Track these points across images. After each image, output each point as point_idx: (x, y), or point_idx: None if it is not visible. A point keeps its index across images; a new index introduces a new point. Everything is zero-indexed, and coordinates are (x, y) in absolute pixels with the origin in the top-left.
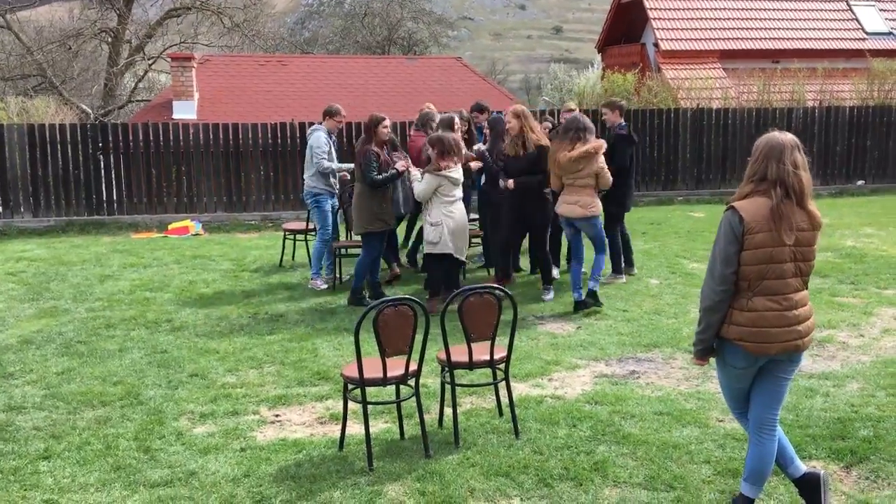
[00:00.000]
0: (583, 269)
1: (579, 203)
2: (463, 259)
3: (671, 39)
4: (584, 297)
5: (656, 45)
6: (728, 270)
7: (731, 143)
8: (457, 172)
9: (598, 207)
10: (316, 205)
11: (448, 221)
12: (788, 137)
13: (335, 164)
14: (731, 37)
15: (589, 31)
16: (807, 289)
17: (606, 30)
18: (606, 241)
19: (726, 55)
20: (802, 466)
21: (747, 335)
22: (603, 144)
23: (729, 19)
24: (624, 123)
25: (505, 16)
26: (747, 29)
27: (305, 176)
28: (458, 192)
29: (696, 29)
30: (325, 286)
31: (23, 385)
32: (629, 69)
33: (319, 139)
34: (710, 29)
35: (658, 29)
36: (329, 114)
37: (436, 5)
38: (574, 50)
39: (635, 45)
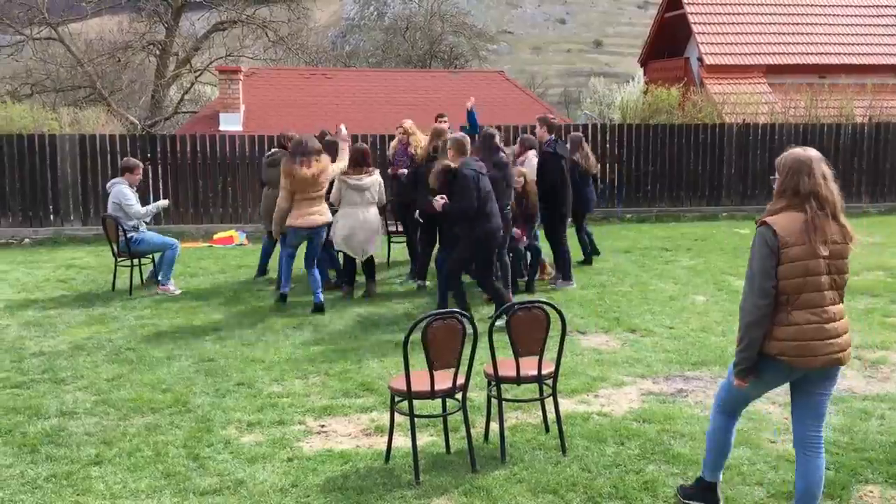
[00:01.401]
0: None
1: (319, 212)
2: (357, 257)
3: (716, 54)
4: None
5: (700, 59)
6: (768, 284)
7: (776, 158)
8: (358, 181)
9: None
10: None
11: (343, 221)
12: (813, 152)
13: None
14: (777, 51)
15: (629, 45)
16: (842, 302)
17: (649, 44)
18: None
19: (772, 70)
20: None
21: (788, 349)
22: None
23: (774, 34)
24: (552, 138)
25: (545, 30)
26: (793, 44)
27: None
28: (358, 198)
29: (740, 43)
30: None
31: (74, 391)
32: (672, 84)
33: (125, 193)
34: (756, 43)
35: (702, 43)
36: (128, 169)
37: (476, 19)
38: (614, 64)
39: (679, 59)
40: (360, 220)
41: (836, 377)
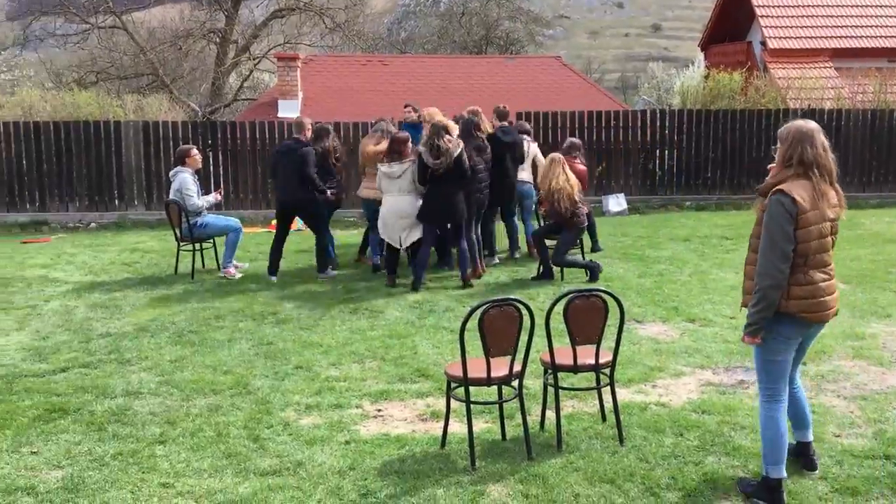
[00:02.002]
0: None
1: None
2: (395, 244)
3: (780, 38)
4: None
5: (763, 43)
6: (789, 247)
7: (843, 145)
8: (388, 168)
9: None
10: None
11: (381, 209)
12: (813, 124)
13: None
14: (844, 34)
15: (689, 29)
16: None
17: (710, 27)
18: None
19: (838, 54)
20: (810, 436)
21: (807, 307)
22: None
23: (841, 16)
24: (502, 125)
25: (602, 14)
26: (861, 26)
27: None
28: (391, 186)
29: (806, 27)
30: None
31: (139, 371)
32: (734, 68)
33: (187, 183)
34: (821, 27)
35: (766, 27)
36: (183, 156)
37: (532, 4)
38: (673, 48)
39: (741, 43)
40: (392, 208)
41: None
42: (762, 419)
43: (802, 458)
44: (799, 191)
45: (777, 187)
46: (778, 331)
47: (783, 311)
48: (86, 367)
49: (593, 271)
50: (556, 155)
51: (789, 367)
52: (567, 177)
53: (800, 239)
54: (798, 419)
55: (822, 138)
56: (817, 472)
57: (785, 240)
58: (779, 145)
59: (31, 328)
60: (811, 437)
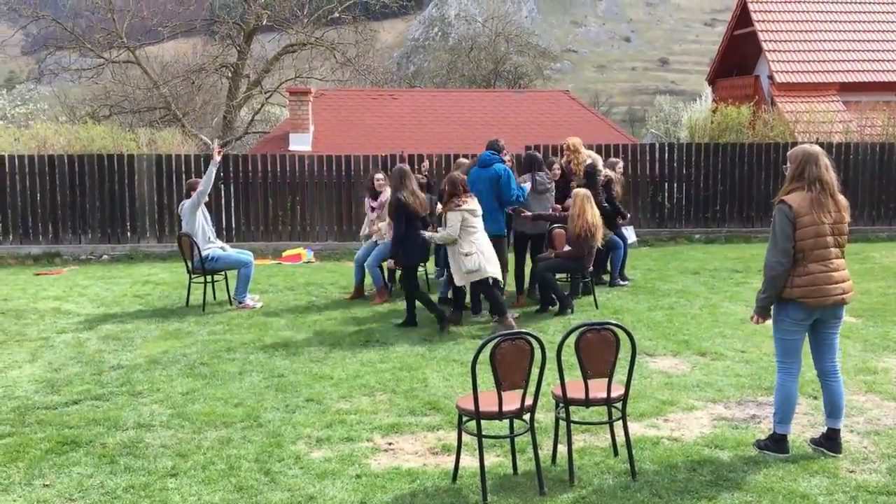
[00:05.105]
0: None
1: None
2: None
3: (787, 72)
4: None
5: (771, 77)
6: (789, 245)
7: (852, 178)
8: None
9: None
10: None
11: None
12: (817, 148)
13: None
14: (852, 69)
15: (696, 62)
16: (844, 257)
17: (718, 61)
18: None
19: (846, 87)
20: (839, 425)
21: (806, 293)
22: None
23: (849, 50)
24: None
25: (610, 48)
26: (868, 60)
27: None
28: (480, 224)
29: (813, 61)
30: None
31: (150, 403)
32: (742, 102)
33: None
34: (829, 61)
35: (773, 61)
36: (192, 189)
37: (540, 38)
38: (681, 82)
39: (749, 77)
40: (487, 244)
41: (841, 316)
42: (776, 385)
43: (829, 441)
44: (797, 200)
45: (781, 198)
46: (786, 314)
47: (788, 297)
48: (98, 399)
49: (564, 306)
50: (585, 191)
51: (800, 347)
52: (594, 212)
53: (798, 238)
54: (830, 408)
55: (824, 159)
56: (840, 454)
57: (785, 239)
58: (788, 164)
59: (44, 360)
60: (840, 426)
